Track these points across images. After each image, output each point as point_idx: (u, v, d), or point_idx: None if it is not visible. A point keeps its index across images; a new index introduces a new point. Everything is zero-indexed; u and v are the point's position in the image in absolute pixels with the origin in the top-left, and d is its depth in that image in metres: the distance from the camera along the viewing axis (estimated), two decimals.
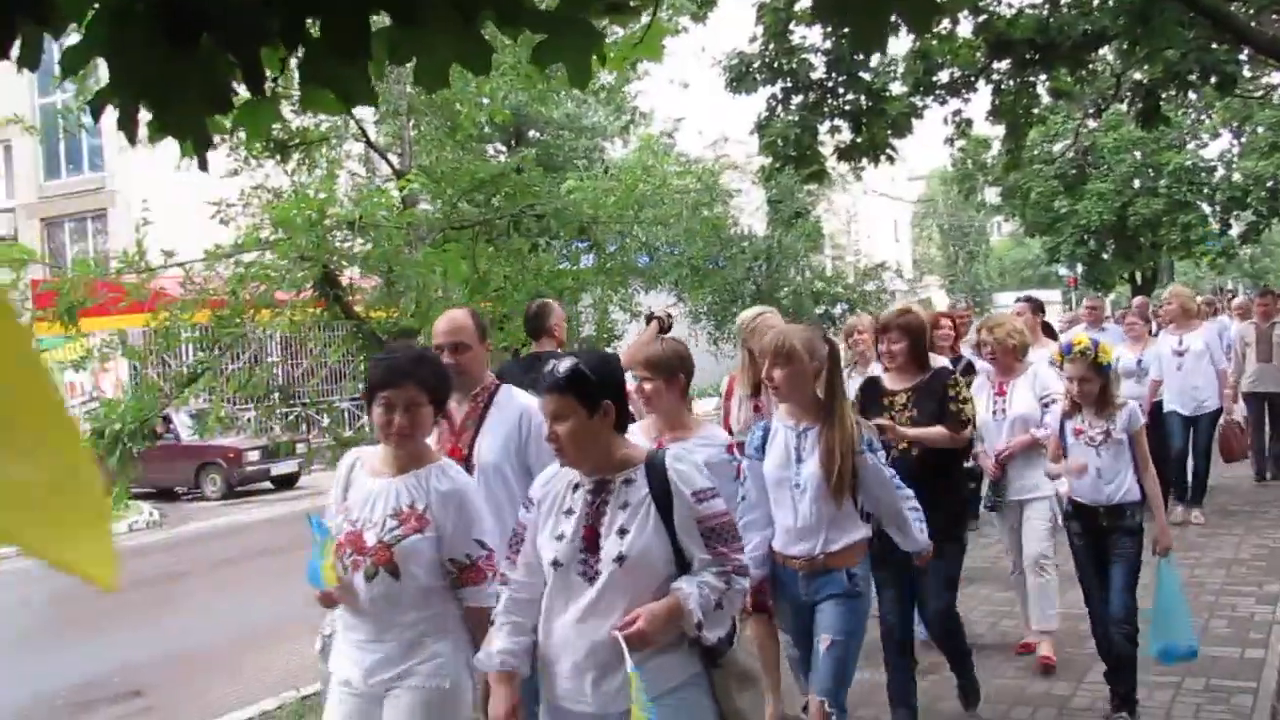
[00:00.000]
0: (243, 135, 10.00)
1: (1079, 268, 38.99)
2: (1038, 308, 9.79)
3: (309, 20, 1.94)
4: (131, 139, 2.16)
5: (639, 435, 4.80)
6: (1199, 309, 12.58)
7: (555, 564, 3.50)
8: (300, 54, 2.03)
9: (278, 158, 10.87)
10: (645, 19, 2.63)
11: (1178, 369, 10.97)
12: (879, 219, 55.27)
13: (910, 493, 4.89)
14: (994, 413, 7.09)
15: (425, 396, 3.88)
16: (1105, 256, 36.02)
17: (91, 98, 2.16)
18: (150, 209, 8.87)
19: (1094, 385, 5.91)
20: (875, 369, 10.46)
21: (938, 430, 5.70)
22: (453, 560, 3.83)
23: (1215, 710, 6.11)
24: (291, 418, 10.30)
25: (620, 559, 3.40)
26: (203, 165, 2.29)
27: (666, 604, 3.38)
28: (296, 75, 2.12)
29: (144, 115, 2.17)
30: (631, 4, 2.53)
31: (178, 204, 12.43)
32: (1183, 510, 10.76)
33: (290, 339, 13.70)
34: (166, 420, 20.31)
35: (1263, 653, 6.83)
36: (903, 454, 5.64)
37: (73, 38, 2.12)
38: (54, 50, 2.51)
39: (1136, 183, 34.25)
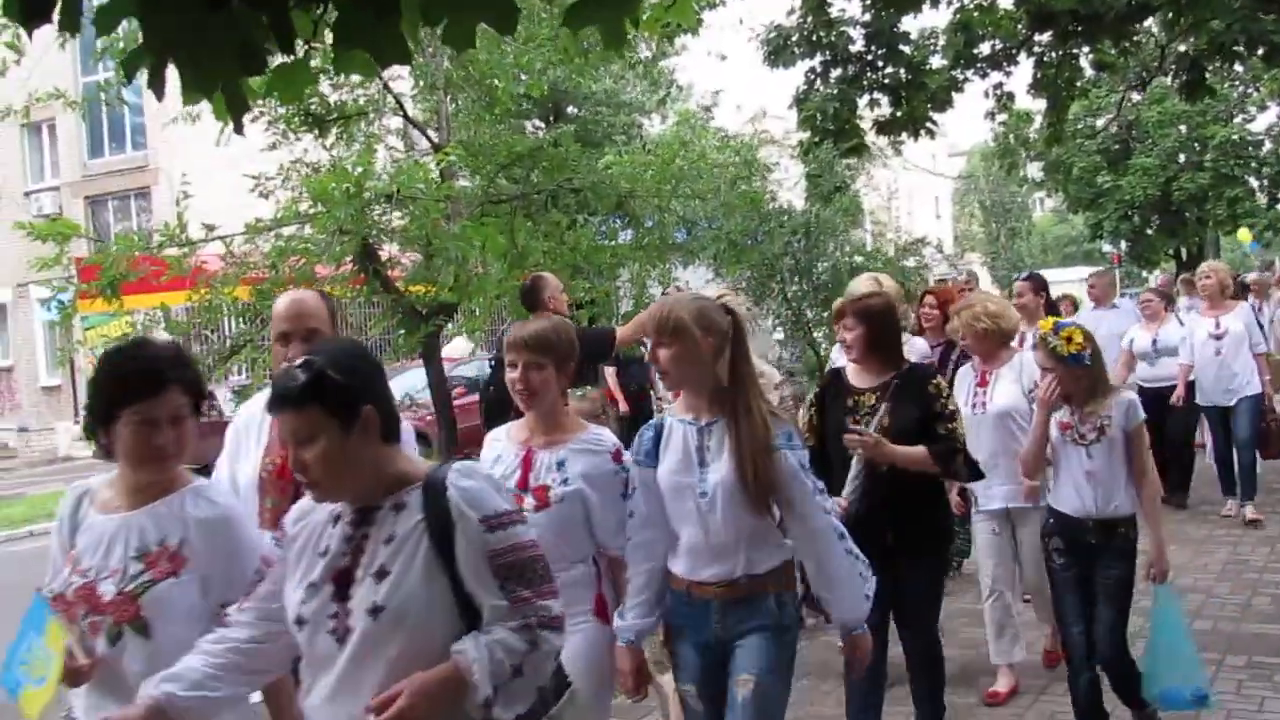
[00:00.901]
0: (280, 110, 10.09)
1: (1123, 244, 38.53)
2: (1040, 286, 8.82)
3: None
4: (159, 95, 2.15)
5: (507, 443, 4.06)
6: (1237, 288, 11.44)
7: (299, 622, 2.68)
8: (333, 16, 2.03)
9: (316, 132, 10.91)
10: None
11: (1215, 354, 10.02)
12: (920, 195, 54.86)
13: (841, 528, 3.86)
14: (973, 406, 6.07)
15: (189, 404, 3.06)
16: (1149, 232, 35.56)
17: (124, 58, 2.17)
18: (191, 184, 8.91)
19: (1061, 375, 5.05)
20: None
21: (921, 453, 4.81)
22: (225, 605, 2.92)
23: (1257, 687, 6.06)
24: None
25: (375, 610, 2.57)
26: (238, 128, 2.29)
27: (441, 673, 2.53)
28: (329, 37, 2.13)
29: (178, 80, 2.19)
30: None
31: (219, 180, 12.50)
32: (1234, 505, 10.13)
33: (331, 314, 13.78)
34: (210, 397, 20.51)
35: None
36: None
37: None
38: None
39: (1181, 157, 33.77)
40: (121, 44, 8.16)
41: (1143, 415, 5.22)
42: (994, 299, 6.43)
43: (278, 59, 2.29)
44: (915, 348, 6.71)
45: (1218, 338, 10.01)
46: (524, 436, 3.99)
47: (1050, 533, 5.36)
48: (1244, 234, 31.85)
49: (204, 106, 2.41)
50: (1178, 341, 10.35)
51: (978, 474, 5.18)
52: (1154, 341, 10.52)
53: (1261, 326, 10.85)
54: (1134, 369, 10.60)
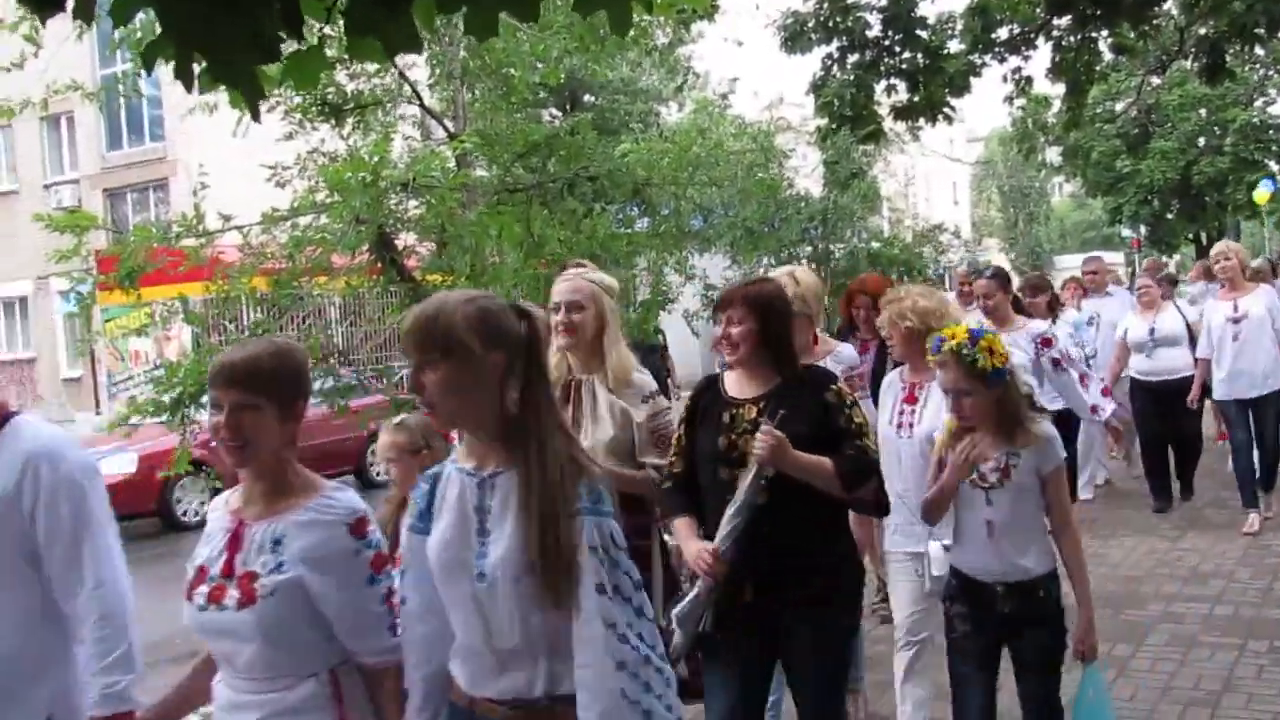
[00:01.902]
0: (296, 99, 10.09)
1: (1142, 229, 38.38)
2: (1005, 282, 7.59)
3: None
4: (188, 86, 2.16)
5: (222, 513, 3.00)
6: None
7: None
8: (346, 2, 2.04)
9: (332, 122, 10.93)
10: None
11: (1234, 339, 8.99)
12: (938, 181, 54.66)
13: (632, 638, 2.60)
14: (898, 426, 4.89)
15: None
16: (1169, 217, 35.43)
17: (143, 48, 2.19)
18: (209, 175, 8.95)
19: (978, 399, 4.08)
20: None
21: (824, 466, 3.80)
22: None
23: (1278, 671, 6.03)
24: (352, 381, 10.39)
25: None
26: (255, 115, 2.30)
27: None
28: (342, 25, 2.13)
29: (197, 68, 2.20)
30: None
31: (237, 171, 12.53)
32: (1258, 518, 9.06)
33: (348, 303, 13.82)
34: None
35: None
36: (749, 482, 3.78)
37: None
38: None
39: (1201, 141, 33.64)
40: (139, 34, 8.18)
41: (1063, 454, 4.25)
42: (930, 293, 5.07)
43: (292, 46, 2.29)
44: (841, 356, 5.65)
45: (1235, 321, 9.02)
46: (237, 505, 2.95)
47: (951, 596, 4.32)
48: (1261, 195, 31.17)
49: (221, 97, 2.42)
50: (1179, 330, 9.79)
51: (885, 508, 4.23)
52: (1151, 331, 9.81)
53: None
54: (1128, 362, 10.08)
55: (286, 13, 1.95)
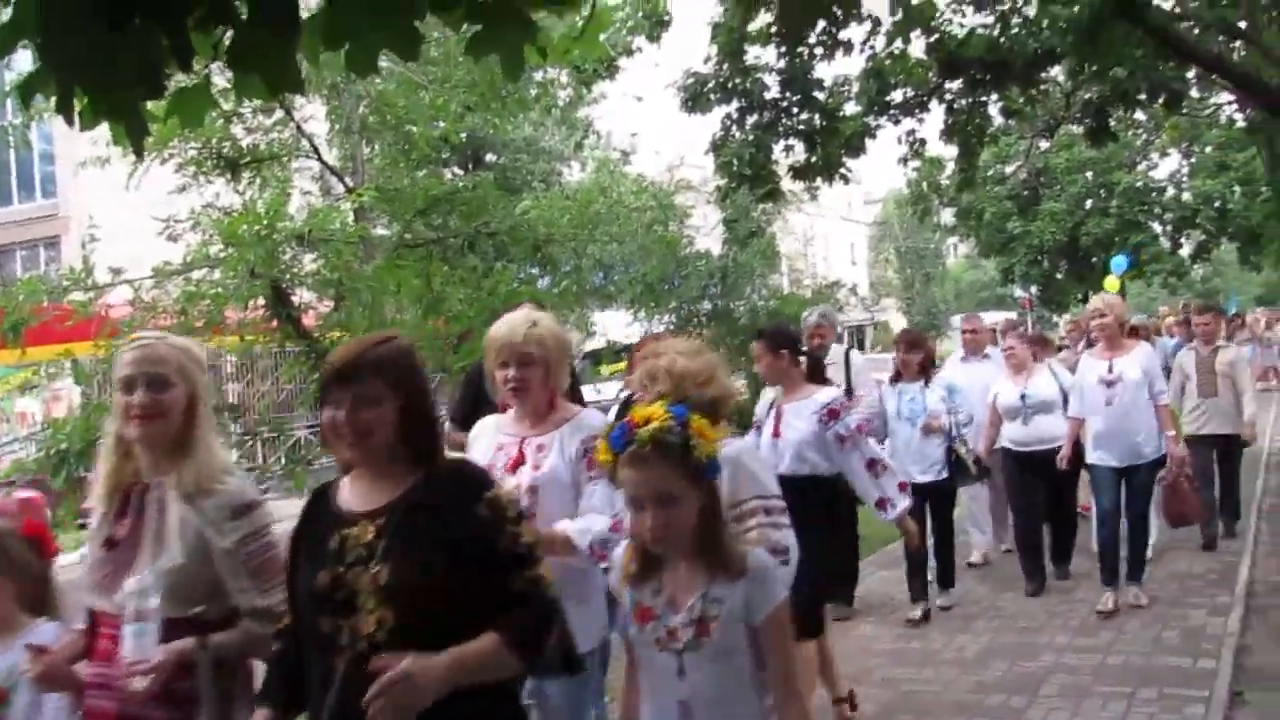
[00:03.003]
0: (191, 151, 9.97)
1: (1033, 289, 39.35)
2: (782, 344, 6.10)
3: (239, 3, 1.93)
4: (69, 121, 2.11)
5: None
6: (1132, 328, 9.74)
7: None
8: (230, 38, 2.01)
9: (228, 176, 10.81)
10: (586, 10, 2.63)
11: (1106, 404, 8.13)
12: (836, 242, 55.71)
13: None
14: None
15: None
16: (1059, 277, 36.39)
17: (20, 83, 2.14)
18: (100, 228, 8.78)
19: (685, 509, 2.87)
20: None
21: (491, 652, 2.61)
22: None
23: (1168, 718, 6.12)
24: (245, 440, 10.19)
25: None
26: (138, 153, 2.26)
27: None
28: (228, 62, 2.10)
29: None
30: None
31: (130, 227, 12.30)
32: (1112, 597, 8.14)
33: (243, 360, 13.57)
34: None
35: (1214, 663, 6.85)
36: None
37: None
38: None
39: (1088, 203, 34.71)
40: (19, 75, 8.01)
41: (782, 592, 2.97)
42: (697, 350, 4.12)
43: (177, 82, 2.26)
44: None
45: (1109, 384, 8.16)
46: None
47: None
48: (1111, 282, 31.93)
49: (115, 151, 2.37)
50: (1051, 395, 8.92)
51: (577, 665, 3.23)
52: (1022, 396, 8.97)
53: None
54: (1000, 429, 9.14)
55: (175, 45, 1.91)
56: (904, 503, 5.94)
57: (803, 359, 6.18)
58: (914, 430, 8.29)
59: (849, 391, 8.31)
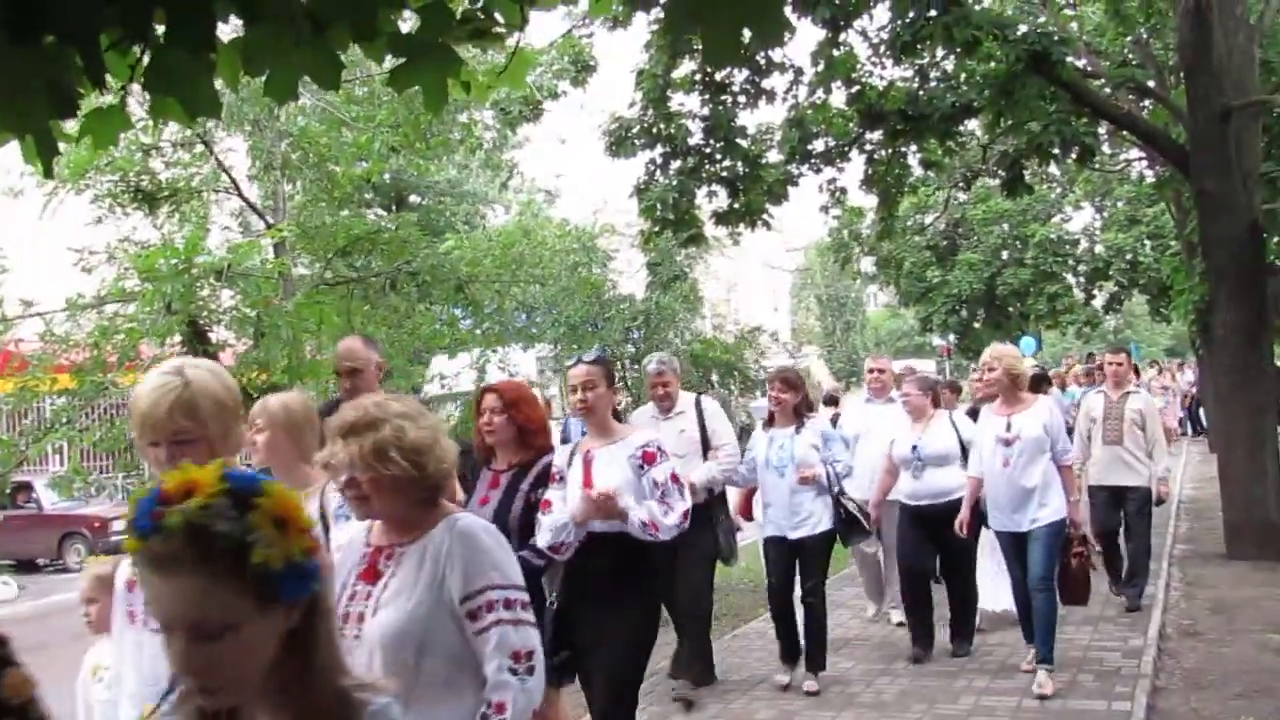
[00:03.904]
0: (107, 183, 9.81)
1: (951, 337, 39.94)
2: (606, 372, 5.45)
3: (155, 23, 1.90)
4: None
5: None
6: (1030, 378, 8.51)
7: None
8: (147, 59, 1.98)
9: (145, 210, 10.64)
10: (511, 44, 2.63)
11: (1004, 464, 7.45)
12: (758, 289, 56.17)
13: None
14: (355, 619, 3.15)
15: None
16: (977, 326, 36.98)
17: None
18: (9, 258, 8.60)
19: (248, 651, 1.73)
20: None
21: None
22: None
23: None
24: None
25: None
26: (48, 172, 2.22)
27: None
28: (145, 84, 2.07)
29: None
30: (495, 30, 2.53)
31: (44, 263, 12.06)
32: (1048, 678, 7.36)
33: None
34: (28, 488, 19.59)
35: (1128, 705, 6.96)
36: None
37: None
38: None
39: (1005, 254, 35.38)
40: None
41: None
42: (419, 416, 3.17)
43: (91, 103, 2.22)
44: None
45: (1007, 443, 7.48)
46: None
47: None
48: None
49: (29, 181, 2.33)
50: (947, 448, 8.21)
51: None
52: (914, 448, 8.24)
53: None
54: (896, 480, 8.45)
55: (87, 63, 1.88)
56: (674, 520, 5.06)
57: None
58: (783, 480, 7.56)
59: (705, 441, 7.56)
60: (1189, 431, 27.80)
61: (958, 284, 34.62)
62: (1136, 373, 11.51)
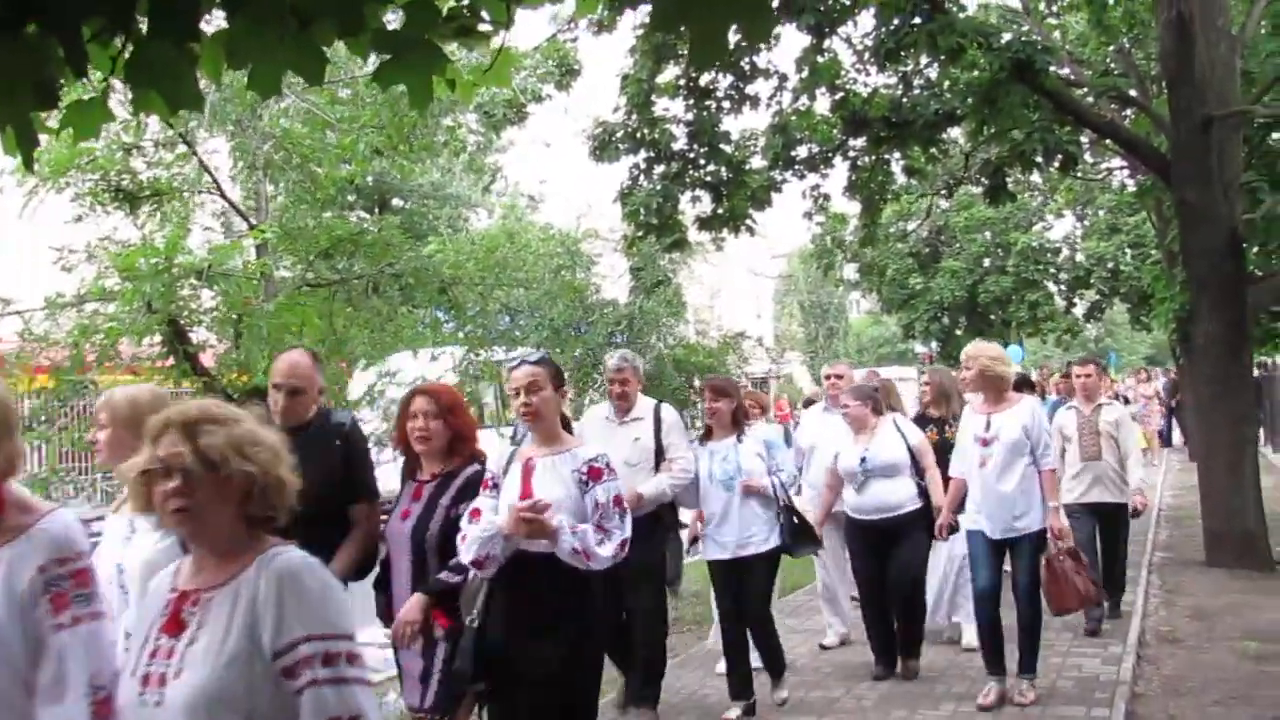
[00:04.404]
0: (88, 182, 9.75)
1: (934, 344, 40.04)
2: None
3: (138, 14, 1.89)
4: None
5: None
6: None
7: None
8: (130, 52, 1.97)
9: (126, 209, 10.56)
10: (496, 43, 2.62)
11: (980, 465, 7.08)
12: (741, 295, 56.16)
13: None
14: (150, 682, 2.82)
15: None
16: (959, 333, 37.10)
17: None
18: None
19: None
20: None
21: None
22: None
23: None
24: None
25: None
26: (28, 164, 2.20)
27: None
28: (127, 77, 2.05)
29: None
30: (480, 28, 2.52)
31: (22, 261, 12.01)
32: (996, 689, 7.19)
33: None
34: None
35: (1107, 711, 6.98)
36: None
37: None
38: None
39: (987, 261, 35.50)
40: None
41: None
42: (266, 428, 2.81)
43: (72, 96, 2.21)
44: None
45: (985, 443, 7.09)
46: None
47: None
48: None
49: (8, 181, 2.31)
50: (894, 458, 7.76)
51: None
52: (862, 459, 7.75)
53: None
54: (839, 493, 8.08)
55: (69, 52, 1.86)
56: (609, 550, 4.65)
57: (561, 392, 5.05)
58: (730, 495, 7.02)
59: (659, 452, 7.01)
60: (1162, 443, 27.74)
61: (940, 291, 34.74)
62: (1109, 383, 11.43)
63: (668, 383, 14.99)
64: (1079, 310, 37.24)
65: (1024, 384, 11.85)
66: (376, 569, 5.23)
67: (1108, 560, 9.45)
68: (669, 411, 7.28)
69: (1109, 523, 9.33)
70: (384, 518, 5.22)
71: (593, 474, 4.69)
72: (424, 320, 12.41)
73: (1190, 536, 13.13)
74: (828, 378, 9.48)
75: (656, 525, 6.93)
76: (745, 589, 7.08)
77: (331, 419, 5.21)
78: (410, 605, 4.83)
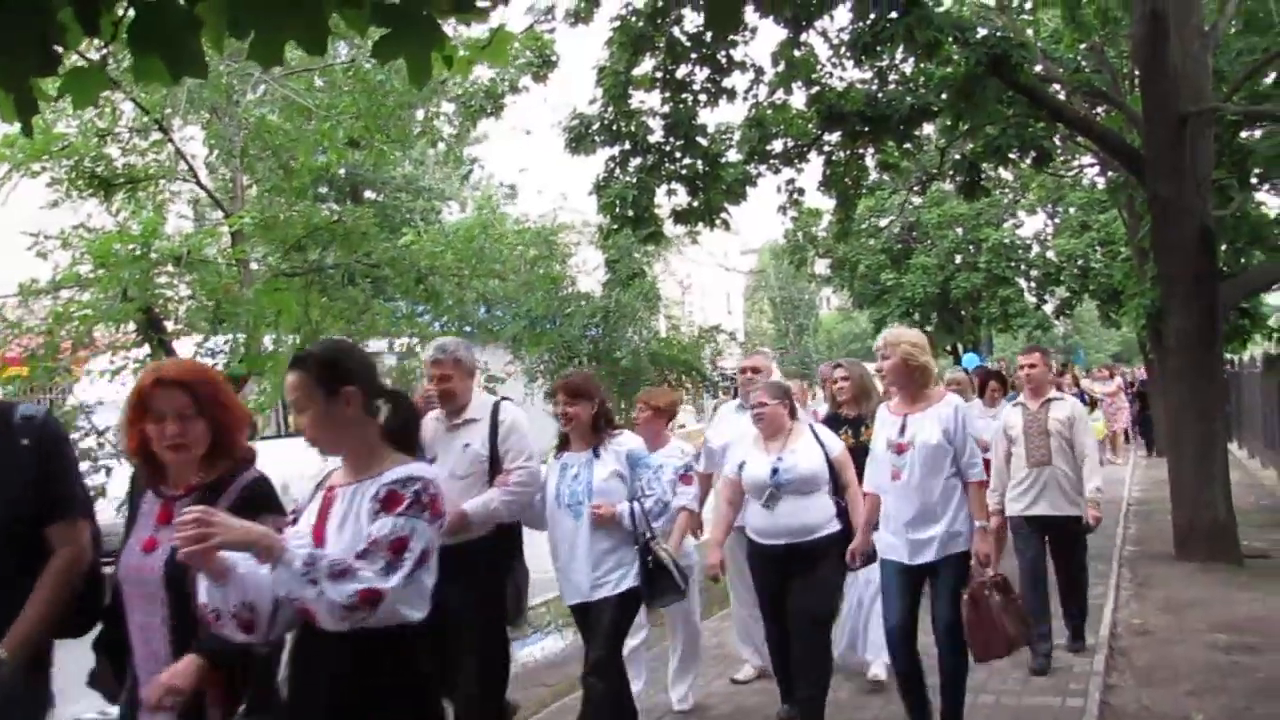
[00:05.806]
0: (64, 168, 9.67)
1: None
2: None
3: None
4: None
5: None
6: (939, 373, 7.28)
7: None
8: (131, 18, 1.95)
9: (101, 196, 10.46)
10: (494, 20, 2.62)
11: (893, 477, 5.92)
12: (712, 290, 56.26)
13: None
14: None
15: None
16: (930, 329, 37.26)
17: None
18: None
19: None
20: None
21: None
22: None
23: None
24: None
25: None
26: (27, 130, 2.17)
27: None
28: (129, 40, 2.03)
29: None
30: (479, 3, 2.51)
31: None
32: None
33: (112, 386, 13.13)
34: None
35: (1082, 701, 7.04)
36: None
37: None
38: None
39: (958, 258, 35.64)
40: None
41: None
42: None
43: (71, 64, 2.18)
44: None
45: (898, 450, 5.93)
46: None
47: None
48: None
49: None
50: (813, 469, 6.20)
51: None
52: (774, 471, 6.19)
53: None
54: (739, 509, 6.57)
55: (81, 12, 1.84)
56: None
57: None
58: (579, 523, 5.72)
59: (493, 462, 5.79)
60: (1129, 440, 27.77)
61: (911, 287, 34.82)
62: (1076, 382, 11.00)
63: (642, 377, 15.02)
64: (1049, 307, 37.46)
65: (993, 377, 11.98)
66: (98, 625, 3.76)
67: (1065, 582, 8.24)
68: (510, 410, 6.00)
69: (1061, 539, 8.04)
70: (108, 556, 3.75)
71: (386, 501, 3.20)
72: (399, 311, 12.38)
73: (1160, 530, 13.23)
74: (743, 371, 7.85)
75: (494, 553, 5.77)
76: (586, 636, 5.86)
77: (14, 415, 3.66)
78: (180, 669, 3.29)
